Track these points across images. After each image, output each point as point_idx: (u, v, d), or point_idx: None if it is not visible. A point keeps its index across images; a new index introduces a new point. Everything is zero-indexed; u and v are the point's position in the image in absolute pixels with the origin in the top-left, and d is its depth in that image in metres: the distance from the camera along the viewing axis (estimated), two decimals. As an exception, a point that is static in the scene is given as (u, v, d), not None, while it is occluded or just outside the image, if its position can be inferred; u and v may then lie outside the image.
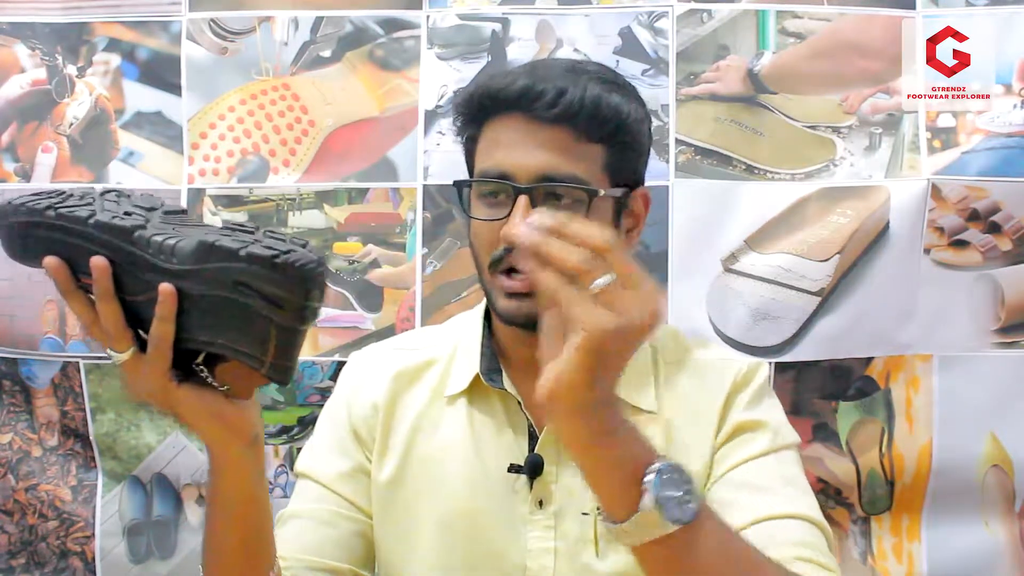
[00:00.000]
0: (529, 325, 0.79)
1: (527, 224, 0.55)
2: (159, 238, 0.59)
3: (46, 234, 0.61)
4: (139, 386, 0.62)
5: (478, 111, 0.82)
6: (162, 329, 0.59)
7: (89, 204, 0.61)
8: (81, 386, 1.34)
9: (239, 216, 1.33)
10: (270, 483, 1.35)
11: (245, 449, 0.66)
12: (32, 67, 1.35)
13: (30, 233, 0.61)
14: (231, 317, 0.59)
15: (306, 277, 0.59)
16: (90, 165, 1.34)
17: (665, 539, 0.57)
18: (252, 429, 0.66)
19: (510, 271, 0.79)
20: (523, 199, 0.78)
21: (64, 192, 0.63)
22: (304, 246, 0.61)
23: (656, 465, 0.58)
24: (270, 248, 0.59)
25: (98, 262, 0.59)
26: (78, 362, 1.33)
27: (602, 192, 0.80)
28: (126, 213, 0.61)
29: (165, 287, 0.58)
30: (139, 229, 0.59)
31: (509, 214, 0.78)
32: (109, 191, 0.64)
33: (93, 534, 1.35)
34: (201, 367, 0.63)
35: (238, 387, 0.65)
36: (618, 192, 0.82)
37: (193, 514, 1.35)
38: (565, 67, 0.83)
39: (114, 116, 1.35)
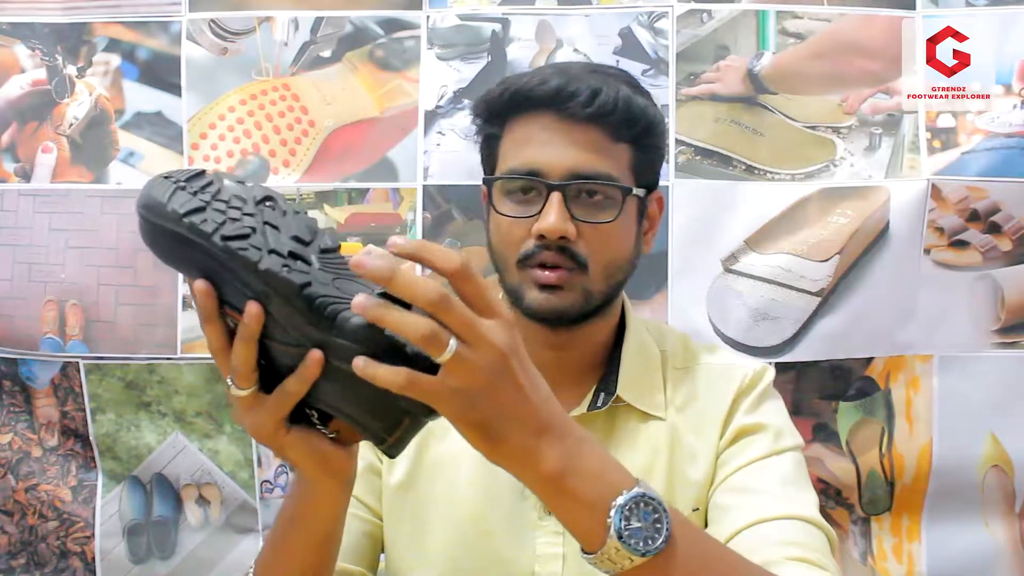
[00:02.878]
0: (556, 320, 0.80)
1: (371, 258, 0.52)
2: (326, 302, 0.56)
3: (203, 258, 0.57)
4: (249, 422, 0.60)
5: (505, 109, 0.82)
6: (296, 388, 0.57)
7: (251, 233, 0.57)
8: (81, 386, 1.34)
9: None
10: (270, 483, 1.35)
11: (340, 488, 0.65)
12: (32, 67, 1.35)
13: (187, 250, 0.57)
14: (369, 398, 0.57)
15: None
16: (90, 165, 1.34)
17: (638, 569, 0.57)
18: (350, 473, 0.65)
19: (540, 265, 0.79)
20: (556, 195, 0.78)
21: (225, 201, 0.58)
22: None
23: (619, 499, 0.57)
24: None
25: (254, 310, 0.56)
26: (78, 362, 1.33)
27: (634, 190, 0.80)
28: (290, 254, 0.57)
29: (315, 356, 0.56)
30: (307, 287, 0.56)
31: (540, 211, 0.78)
32: (266, 199, 0.60)
33: (93, 534, 1.35)
34: (312, 411, 0.62)
35: (346, 436, 0.63)
36: (642, 192, 0.83)
37: (193, 514, 1.35)
38: (590, 68, 0.85)
39: (114, 116, 1.35)
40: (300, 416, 0.61)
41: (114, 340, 1.32)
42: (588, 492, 0.57)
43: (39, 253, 1.33)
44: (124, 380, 1.33)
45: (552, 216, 0.77)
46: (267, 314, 0.57)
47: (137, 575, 1.35)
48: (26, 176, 1.34)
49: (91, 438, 1.35)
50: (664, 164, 1.28)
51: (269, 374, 0.59)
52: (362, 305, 0.51)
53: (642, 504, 0.58)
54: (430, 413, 0.57)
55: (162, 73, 1.34)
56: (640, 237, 0.85)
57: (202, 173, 0.60)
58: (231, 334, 0.57)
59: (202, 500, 1.36)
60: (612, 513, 0.57)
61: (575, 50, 1.30)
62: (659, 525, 0.58)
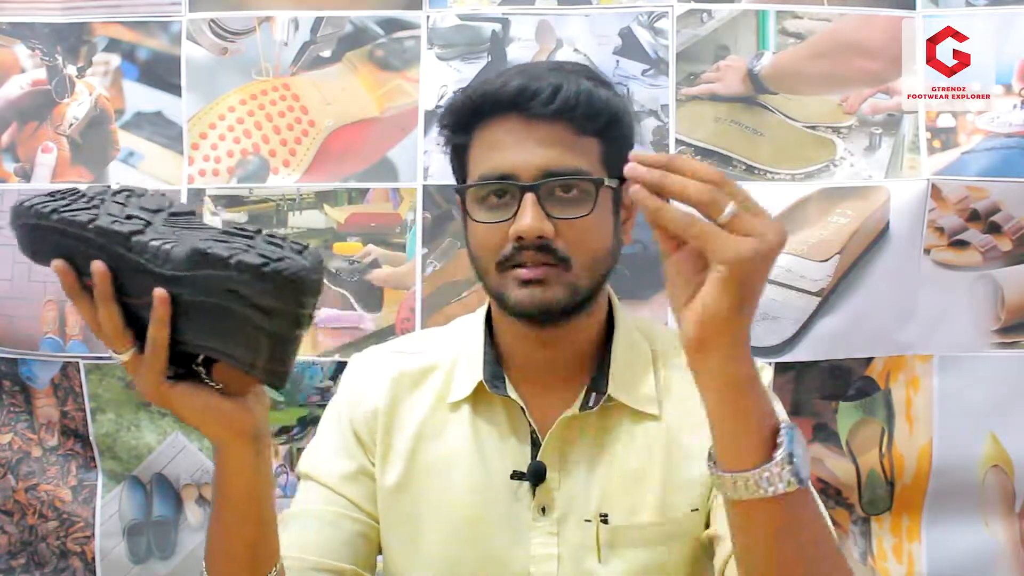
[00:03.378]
0: (543, 315, 0.80)
1: (632, 165, 0.57)
2: (156, 243, 0.60)
3: (52, 237, 0.62)
4: (139, 385, 0.64)
5: (470, 117, 0.82)
6: (157, 332, 0.61)
7: (95, 207, 0.62)
8: (81, 386, 1.34)
9: (239, 216, 1.33)
10: (270, 483, 1.35)
11: (246, 445, 0.66)
12: (32, 67, 1.35)
13: (38, 235, 0.62)
14: (223, 323, 0.59)
15: (298, 285, 0.59)
16: (90, 165, 1.34)
17: (780, 498, 0.58)
18: (253, 426, 0.66)
19: (520, 265, 0.79)
20: (530, 196, 0.78)
21: (76, 193, 0.64)
22: (301, 251, 0.60)
23: (787, 423, 0.60)
24: (262, 256, 0.58)
25: (97, 267, 0.61)
26: (78, 362, 1.33)
27: (606, 182, 0.80)
28: (128, 217, 0.61)
29: (159, 292, 0.59)
30: (137, 234, 0.60)
31: (514, 214, 0.78)
32: (121, 191, 0.65)
33: (93, 534, 1.35)
34: (200, 367, 0.64)
35: (234, 385, 0.65)
36: (615, 183, 0.82)
37: (193, 514, 1.35)
38: (549, 67, 0.85)
39: (114, 116, 1.35)
40: (190, 374, 0.64)
41: (114, 340, 1.32)
42: (764, 404, 0.60)
43: (39, 253, 1.33)
44: (124, 380, 1.33)
45: (528, 217, 0.77)
46: (116, 271, 0.60)
47: (137, 575, 1.35)
48: (26, 176, 1.34)
49: (91, 438, 1.35)
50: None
51: (145, 336, 0.62)
52: (635, 169, 0.56)
53: (800, 437, 0.60)
54: (272, 319, 0.59)
55: (162, 73, 1.34)
56: (619, 228, 0.85)
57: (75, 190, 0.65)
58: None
59: (202, 500, 1.36)
60: (785, 433, 0.59)
61: (575, 50, 1.30)
62: (808, 460, 0.60)
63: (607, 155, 0.82)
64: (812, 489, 0.62)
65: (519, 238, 0.78)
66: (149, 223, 0.62)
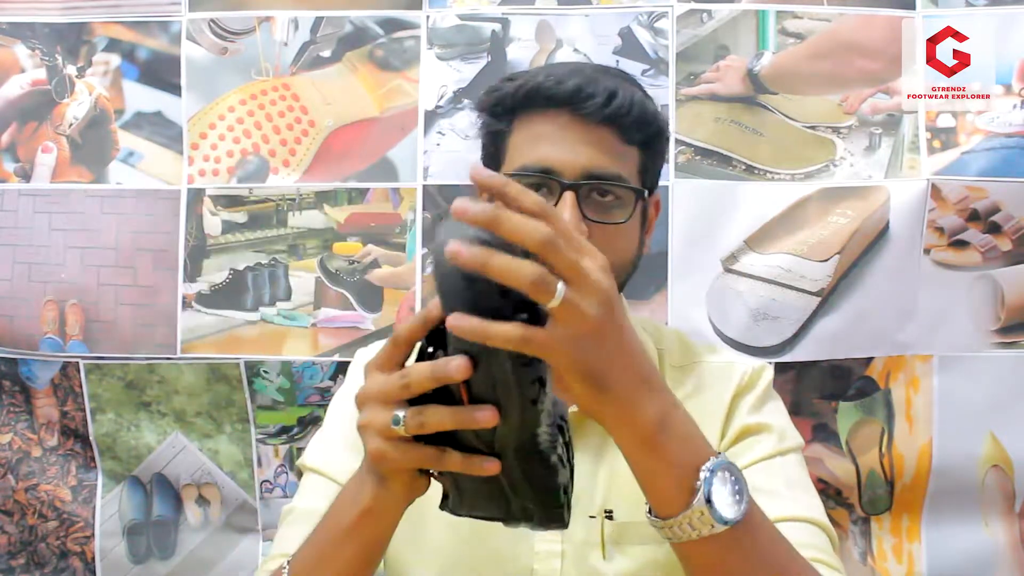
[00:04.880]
0: None
1: (457, 243, 0.49)
2: (544, 446, 0.56)
3: (491, 355, 0.53)
4: (379, 447, 0.58)
5: (517, 105, 0.82)
6: (452, 466, 0.57)
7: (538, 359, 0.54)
8: (81, 386, 1.34)
9: (239, 216, 1.33)
10: (270, 483, 1.35)
11: (408, 503, 0.65)
12: (32, 67, 1.35)
13: (489, 350, 0.53)
14: (488, 494, 0.59)
15: (550, 527, 0.60)
16: (90, 165, 1.34)
17: (713, 538, 0.58)
18: (425, 490, 0.64)
19: None
20: (570, 195, 0.78)
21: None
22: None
23: (709, 464, 0.58)
24: (567, 510, 0.59)
25: (491, 419, 0.54)
26: (78, 362, 1.33)
27: (646, 193, 0.81)
28: (539, 379, 0.55)
29: (493, 468, 0.56)
30: (548, 442, 0.56)
31: None
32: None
33: (93, 534, 1.35)
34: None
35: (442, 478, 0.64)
36: (645, 193, 0.83)
37: (193, 514, 1.35)
38: (602, 70, 0.85)
39: (114, 116, 1.35)
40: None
41: (114, 340, 1.32)
42: (679, 452, 0.58)
43: (39, 253, 1.33)
44: (124, 380, 1.33)
45: (566, 215, 0.77)
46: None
47: (137, 575, 1.35)
48: (26, 176, 1.34)
49: (91, 438, 1.35)
50: (664, 164, 1.29)
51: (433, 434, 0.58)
52: (458, 250, 0.48)
53: (727, 473, 0.58)
54: (514, 525, 0.59)
55: (162, 73, 1.34)
56: (643, 238, 0.86)
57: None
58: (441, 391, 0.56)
59: (202, 500, 1.36)
60: (702, 477, 0.57)
61: (575, 50, 1.30)
62: (739, 496, 0.58)
63: (644, 166, 0.83)
64: (757, 518, 0.61)
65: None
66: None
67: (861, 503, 1.32)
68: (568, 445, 0.59)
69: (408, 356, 0.58)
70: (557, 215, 0.51)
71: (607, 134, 0.80)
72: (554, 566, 0.81)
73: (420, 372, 0.55)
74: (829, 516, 0.81)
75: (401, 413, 0.56)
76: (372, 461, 0.60)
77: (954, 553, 1.31)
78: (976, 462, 1.30)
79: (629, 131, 0.80)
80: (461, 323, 0.50)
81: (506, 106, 0.83)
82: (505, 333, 0.50)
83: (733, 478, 0.58)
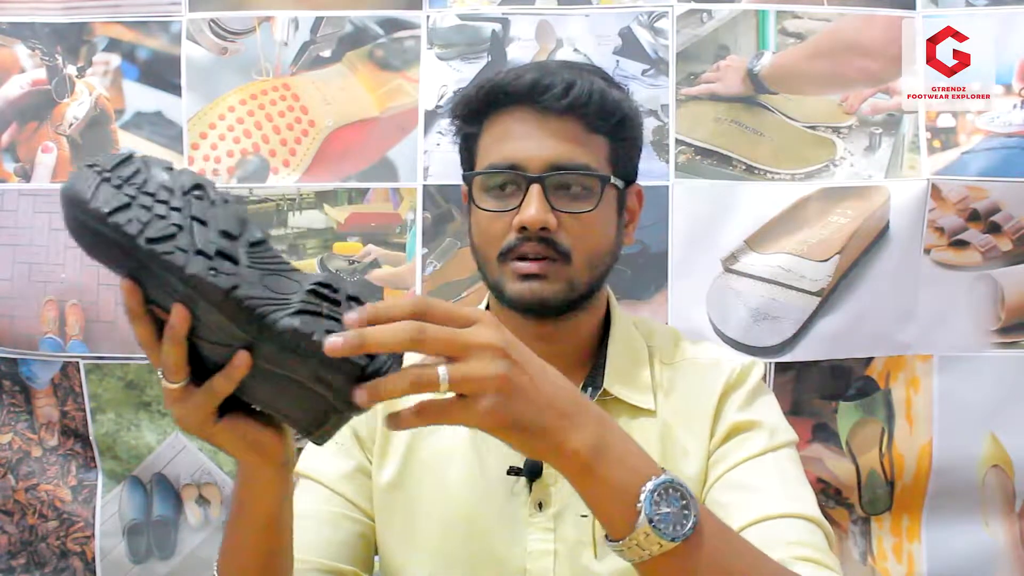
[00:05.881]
0: (540, 310, 0.81)
1: (331, 342, 0.53)
2: (253, 304, 0.56)
3: (128, 258, 0.56)
4: (177, 412, 0.61)
5: (482, 107, 0.83)
6: (223, 387, 0.58)
7: (177, 232, 0.56)
8: (81, 386, 1.34)
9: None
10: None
11: (276, 471, 0.66)
12: (32, 67, 1.35)
13: (111, 249, 0.56)
14: (297, 397, 0.58)
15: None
16: (90, 165, 1.34)
17: (666, 555, 0.58)
18: (285, 454, 0.65)
19: (521, 257, 0.80)
20: (536, 187, 0.79)
21: (151, 194, 0.57)
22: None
23: (648, 484, 0.58)
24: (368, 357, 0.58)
25: (180, 314, 0.56)
26: (78, 362, 1.33)
27: (612, 179, 0.81)
28: (218, 253, 0.56)
29: (243, 358, 0.57)
30: (234, 290, 0.56)
31: (519, 205, 0.79)
32: (194, 188, 0.59)
33: (93, 534, 1.35)
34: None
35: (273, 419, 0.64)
36: (620, 183, 0.83)
37: (193, 514, 1.35)
38: (564, 64, 0.87)
39: (114, 116, 1.35)
40: (233, 402, 0.61)
41: (114, 340, 1.32)
42: (617, 476, 0.58)
43: (39, 253, 1.33)
44: (124, 380, 1.33)
45: (532, 208, 0.78)
46: (194, 316, 0.57)
47: (137, 575, 1.35)
48: (26, 176, 1.34)
49: (91, 438, 1.35)
50: (663, 164, 1.29)
51: (200, 367, 0.59)
52: (334, 347, 0.52)
53: (670, 490, 0.58)
54: (353, 408, 0.57)
55: (162, 73, 1.34)
56: (621, 229, 0.86)
57: (129, 159, 0.59)
58: (160, 327, 0.58)
59: (202, 500, 1.36)
60: (642, 498, 0.58)
61: (575, 50, 1.30)
62: (687, 511, 0.59)
63: (614, 155, 0.83)
64: (711, 528, 0.61)
65: (522, 228, 0.79)
66: (237, 262, 0.57)
67: (861, 503, 1.32)
68: (340, 302, 0.58)
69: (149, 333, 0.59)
70: (426, 303, 0.55)
71: (570, 125, 0.80)
72: (547, 565, 0.81)
73: (132, 325, 0.58)
74: (829, 516, 0.81)
75: (159, 371, 0.60)
76: (183, 429, 0.62)
77: (954, 553, 1.31)
78: (976, 462, 1.30)
79: (592, 120, 0.81)
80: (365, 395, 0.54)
81: (473, 108, 0.84)
82: (411, 421, 0.55)
83: (678, 494, 0.58)
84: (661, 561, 0.58)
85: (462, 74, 1.32)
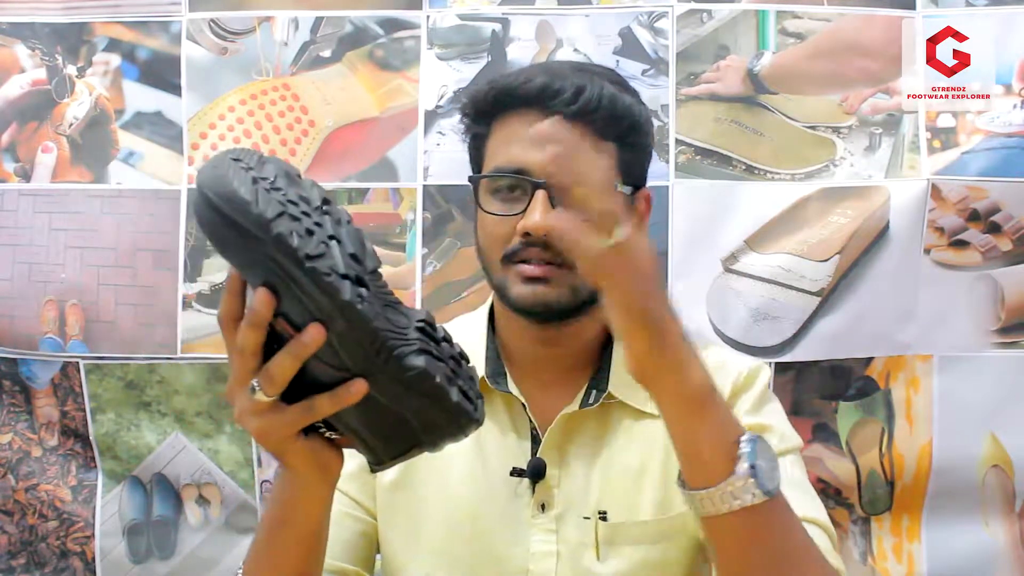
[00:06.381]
0: (543, 314, 0.80)
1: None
2: (387, 337, 0.55)
3: (273, 267, 0.54)
4: (259, 425, 0.59)
5: (491, 108, 0.83)
6: (326, 409, 0.57)
7: (325, 252, 0.54)
8: (81, 386, 1.34)
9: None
10: (270, 483, 1.35)
11: (328, 487, 0.65)
12: (32, 67, 1.35)
13: (257, 254, 0.54)
14: (388, 427, 0.58)
15: (471, 431, 0.60)
16: (90, 165, 1.34)
17: (747, 511, 0.58)
18: (337, 471, 0.65)
19: (525, 261, 0.79)
20: (541, 193, 0.78)
21: (295, 203, 0.54)
22: (478, 397, 0.61)
23: (749, 434, 0.59)
24: (468, 399, 0.59)
25: (319, 334, 0.54)
26: (78, 362, 1.33)
27: (619, 187, 0.80)
28: (357, 279, 0.55)
29: (360, 387, 0.56)
30: (374, 320, 0.55)
31: (525, 209, 0.79)
32: (324, 202, 0.57)
33: (93, 534, 1.35)
34: (322, 427, 0.62)
35: (341, 441, 0.64)
36: (628, 190, 0.83)
37: (193, 514, 1.35)
38: (575, 67, 0.85)
39: (114, 116, 1.35)
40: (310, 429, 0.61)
41: (114, 340, 1.32)
42: (724, 419, 0.59)
43: (39, 253, 1.33)
44: (124, 380, 1.33)
45: (537, 214, 0.77)
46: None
47: (137, 575, 1.35)
48: (26, 176, 1.34)
49: (91, 438, 1.35)
50: (663, 164, 1.29)
51: (293, 383, 0.57)
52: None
53: (764, 445, 0.59)
54: (436, 444, 0.58)
55: (162, 73, 1.34)
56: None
57: (264, 158, 0.57)
58: (271, 338, 0.56)
59: (202, 500, 1.36)
60: (745, 445, 0.58)
61: (575, 50, 1.30)
62: (775, 470, 0.59)
63: (623, 161, 0.82)
64: (783, 496, 0.62)
65: (526, 234, 0.78)
66: (368, 289, 0.56)
67: (861, 503, 1.32)
68: (442, 344, 0.59)
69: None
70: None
71: (578, 130, 0.80)
72: (549, 566, 0.81)
73: (241, 331, 0.56)
74: (829, 516, 0.81)
75: (255, 382, 0.57)
76: (259, 441, 0.61)
77: (954, 553, 1.31)
78: (976, 462, 1.30)
79: (601, 126, 0.80)
80: None
81: (482, 109, 0.84)
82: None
83: (769, 452, 0.60)
84: (739, 517, 0.59)
85: (462, 74, 1.32)
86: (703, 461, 0.59)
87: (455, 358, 0.60)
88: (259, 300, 0.55)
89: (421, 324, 0.58)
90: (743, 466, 0.58)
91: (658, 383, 0.59)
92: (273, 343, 0.56)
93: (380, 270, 0.59)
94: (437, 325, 0.60)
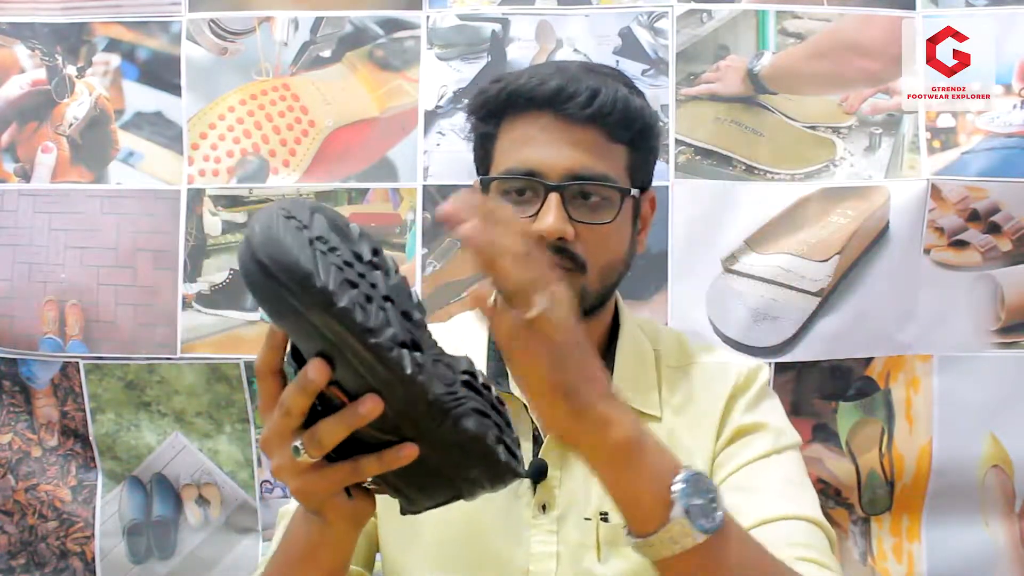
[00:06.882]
0: None
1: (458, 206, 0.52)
2: (441, 401, 0.54)
3: (336, 343, 0.52)
4: (300, 483, 0.58)
5: (502, 108, 0.82)
6: (373, 470, 0.56)
7: (385, 325, 0.52)
8: (81, 386, 1.34)
9: (239, 216, 1.33)
10: (270, 483, 1.35)
11: (357, 533, 0.64)
12: (32, 67, 1.35)
13: (311, 326, 0.51)
14: (430, 481, 0.58)
15: (510, 482, 0.59)
16: (90, 165, 1.34)
17: (695, 550, 0.57)
18: (370, 515, 0.64)
19: None
20: (555, 196, 0.78)
21: (350, 265, 0.52)
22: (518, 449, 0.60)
23: (681, 474, 0.58)
24: (512, 455, 0.58)
25: (376, 406, 0.53)
26: (78, 362, 1.33)
27: (632, 191, 0.80)
28: (413, 343, 0.54)
29: (412, 450, 0.55)
30: (431, 389, 0.53)
31: (537, 212, 0.78)
32: (374, 253, 0.55)
33: (93, 534, 1.35)
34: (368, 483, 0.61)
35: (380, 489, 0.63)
36: (637, 193, 0.83)
37: (193, 514, 1.35)
38: (586, 68, 0.84)
39: (114, 116, 1.35)
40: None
41: (114, 340, 1.32)
42: (654, 466, 0.58)
43: (39, 253, 1.33)
44: (124, 380, 1.33)
45: (551, 217, 0.77)
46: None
47: (137, 575, 1.35)
48: (26, 176, 1.34)
49: (91, 438, 1.35)
50: (663, 164, 1.29)
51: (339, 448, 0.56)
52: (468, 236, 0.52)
53: (699, 482, 0.58)
54: (474, 495, 0.58)
55: (162, 73, 1.34)
56: (635, 237, 0.86)
57: (312, 211, 0.54)
58: (320, 402, 0.55)
59: (202, 500, 1.36)
60: (676, 488, 0.57)
61: (575, 50, 1.30)
62: (715, 504, 0.58)
63: (633, 164, 0.82)
64: (735, 526, 0.61)
65: (539, 237, 0.78)
66: (423, 353, 0.54)
67: (861, 503, 1.32)
68: (484, 393, 0.58)
69: (280, 386, 0.57)
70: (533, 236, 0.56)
71: (592, 133, 0.79)
72: (549, 567, 0.81)
73: (289, 393, 0.55)
74: (829, 516, 0.81)
75: (298, 443, 0.55)
76: (299, 499, 0.60)
77: (954, 553, 1.31)
78: (976, 462, 1.30)
79: (614, 130, 0.80)
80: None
81: (491, 109, 0.83)
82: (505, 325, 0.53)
83: (705, 486, 0.58)
84: (687, 556, 0.57)
85: (462, 74, 1.32)
86: (639, 509, 0.58)
87: (494, 406, 0.59)
88: (315, 370, 0.53)
89: (466, 377, 0.57)
90: (677, 510, 0.57)
91: (579, 444, 0.57)
92: (318, 404, 0.55)
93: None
94: (476, 371, 0.59)
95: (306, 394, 0.54)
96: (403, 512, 0.61)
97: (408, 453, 0.55)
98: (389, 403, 0.53)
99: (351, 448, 0.56)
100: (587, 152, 0.79)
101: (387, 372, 0.52)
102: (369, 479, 0.59)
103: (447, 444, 0.55)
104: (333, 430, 0.54)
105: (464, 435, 0.55)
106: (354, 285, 0.51)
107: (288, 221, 0.52)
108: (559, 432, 0.57)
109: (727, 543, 0.59)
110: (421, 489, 0.58)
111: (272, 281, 0.51)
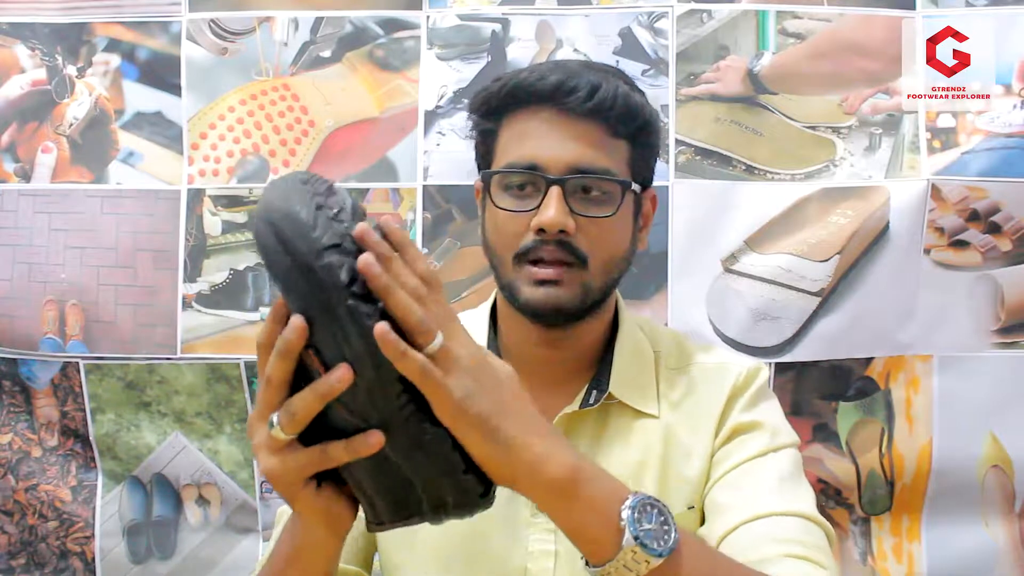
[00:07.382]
0: (553, 316, 0.80)
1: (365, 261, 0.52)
2: (416, 400, 0.54)
3: (317, 298, 0.52)
4: (271, 464, 0.58)
5: (503, 104, 0.82)
6: (339, 456, 0.56)
7: (371, 295, 0.53)
8: (81, 386, 1.34)
9: (239, 216, 1.33)
10: (269, 484, 1.35)
11: (339, 540, 0.64)
12: (32, 67, 1.35)
13: (305, 283, 0.52)
14: (394, 489, 0.57)
15: (476, 510, 0.59)
16: (90, 165, 1.34)
17: (651, 574, 0.57)
18: (348, 524, 0.63)
19: (537, 261, 0.79)
20: (556, 190, 0.78)
21: (352, 253, 0.53)
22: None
23: (628, 501, 0.58)
24: (480, 480, 0.57)
25: (346, 376, 0.53)
26: (78, 362, 1.33)
27: (633, 185, 0.81)
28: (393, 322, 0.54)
29: (378, 438, 0.55)
30: (412, 390, 0.54)
31: (538, 205, 0.78)
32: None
33: (93, 534, 1.35)
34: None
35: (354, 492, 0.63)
36: (638, 188, 0.83)
37: (193, 514, 1.35)
38: (586, 65, 0.85)
39: (114, 116, 1.35)
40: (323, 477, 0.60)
41: (114, 340, 1.32)
42: (598, 496, 0.58)
43: (39, 253, 1.33)
44: (124, 380, 1.33)
45: (552, 210, 0.77)
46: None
47: (137, 575, 1.35)
48: (26, 176, 1.35)
49: (91, 438, 1.35)
50: (663, 164, 1.29)
51: (312, 429, 0.56)
52: (367, 268, 0.52)
53: (648, 507, 0.58)
54: (439, 517, 0.57)
55: (162, 73, 1.34)
56: (636, 234, 0.86)
57: (332, 188, 0.55)
58: (297, 373, 0.55)
59: (202, 500, 1.36)
60: (624, 516, 0.57)
61: (575, 50, 1.30)
62: (667, 526, 0.58)
63: (634, 159, 0.83)
64: (694, 544, 0.61)
65: (540, 230, 0.78)
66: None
67: (861, 503, 1.32)
68: None
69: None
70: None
71: (593, 128, 0.80)
72: (547, 566, 0.81)
73: (272, 359, 0.55)
74: (829, 516, 0.81)
75: (274, 417, 0.56)
76: (271, 481, 0.60)
77: (954, 553, 1.31)
78: (976, 462, 1.30)
79: (615, 124, 0.80)
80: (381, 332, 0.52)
81: (493, 105, 0.83)
82: (409, 365, 0.53)
83: (655, 510, 0.58)
84: None
85: (462, 74, 1.32)
86: (590, 541, 0.58)
87: None
88: (292, 328, 0.53)
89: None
90: (627, 537, 0.56)
91: (515, 483, 0.57)
92: (302, 382, 0.55)
93: None
94: None
95: (284, 356, 0.54)
96: (369, 528, 0.60)
97: (375, 440, 0.55)
98: (361, 377, 0.53)
99: (328, 439, 0.56)
100: (588, 146, 0.79)
101: (360, 340, 0.52)
102: (344, 475, 0.59)
103: (411, 442, 0.55)
104: (305, 400, 0.54)
105: (426, 435, 0.55)
106: (348, 252, 0.52)
107: (303, 185, 0.54)
108: (490, 472, 0.56)
109: (686, 562, 0.59)
110: (387, 499, 0.58)
111: (270, 228, 0.53)
